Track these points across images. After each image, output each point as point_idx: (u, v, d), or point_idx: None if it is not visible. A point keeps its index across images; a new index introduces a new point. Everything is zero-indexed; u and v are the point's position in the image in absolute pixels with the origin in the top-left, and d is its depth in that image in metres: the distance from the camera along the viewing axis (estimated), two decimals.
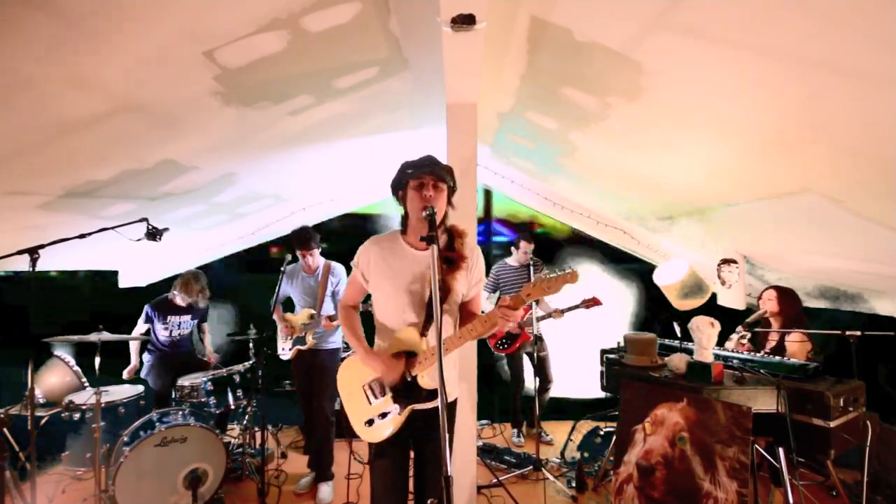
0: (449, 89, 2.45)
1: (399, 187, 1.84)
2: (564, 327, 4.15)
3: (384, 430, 1.80)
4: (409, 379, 1.80)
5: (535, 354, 3.76)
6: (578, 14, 1.83)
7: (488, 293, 4.22)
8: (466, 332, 1.75)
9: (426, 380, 1.80)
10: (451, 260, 1.82)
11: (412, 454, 1.91)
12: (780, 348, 3.04)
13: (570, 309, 3.79)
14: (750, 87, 1.76)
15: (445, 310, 1.82)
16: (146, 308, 3.69)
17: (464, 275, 1.85)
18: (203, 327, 3.94)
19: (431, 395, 1.79)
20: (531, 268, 4.02)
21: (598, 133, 2.81)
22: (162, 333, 3.68)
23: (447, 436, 1.35)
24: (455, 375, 1.95)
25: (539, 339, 4.06)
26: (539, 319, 3.87)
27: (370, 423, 1.83)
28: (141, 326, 3.69)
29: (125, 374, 3.68)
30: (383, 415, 1.81)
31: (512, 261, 4.17)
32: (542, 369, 4.04)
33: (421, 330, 1.81)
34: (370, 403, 1.84)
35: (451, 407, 1.95)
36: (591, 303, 3.76)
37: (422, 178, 1.75)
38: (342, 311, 1.99)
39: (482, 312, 1.85)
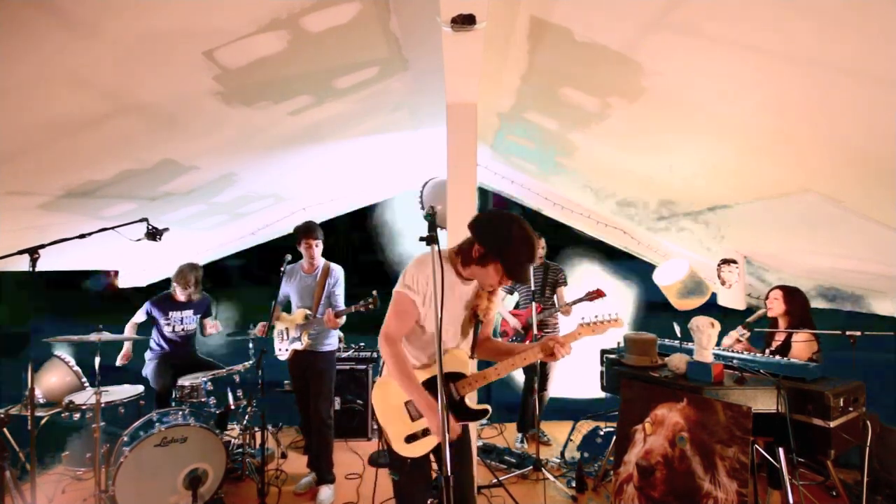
0: (449, 89, 2.45)
1: (488, 247, 1.65)
2: (564, 327, 4.15)
3: (426, 446, 1.82)
4: (456, 398, 1.84)
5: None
6: (578, 14, 1.83)
7: (506, 293, 4.25)
8: (520, 360, 1.80)
9: (472, 400, 1.87)
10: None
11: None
12: (786, 348, 3.04)
13: (575, 302, 3.82)
14: (750, 87, 1.76)
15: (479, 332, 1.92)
16: (146, 305, 3.69)
17: (497, 299, 1.91)
18: (205, 323, 3.92)
19: (478, 414, 1.85)
20: (547, 270, 4.05)
21: (598, 133, 2.81)
22: (165, 329, 3.67)
23: (447, 435, 1.36)
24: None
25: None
26: (552, 314, 3.97)
27: (411, 438, 1.82)
28: (138, 316, 3.67)
29: (119, 360, 3.66)
30: (425, 431, 1.81)
31: None
32: (543, 370, 4.04)
33: (470, 353, 1.89)
34: (412, 420, 1.83)
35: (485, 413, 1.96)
36: (595, 295, 3.78)
37: (508, 281, 1.72)
38: (391, 346, 1.74)
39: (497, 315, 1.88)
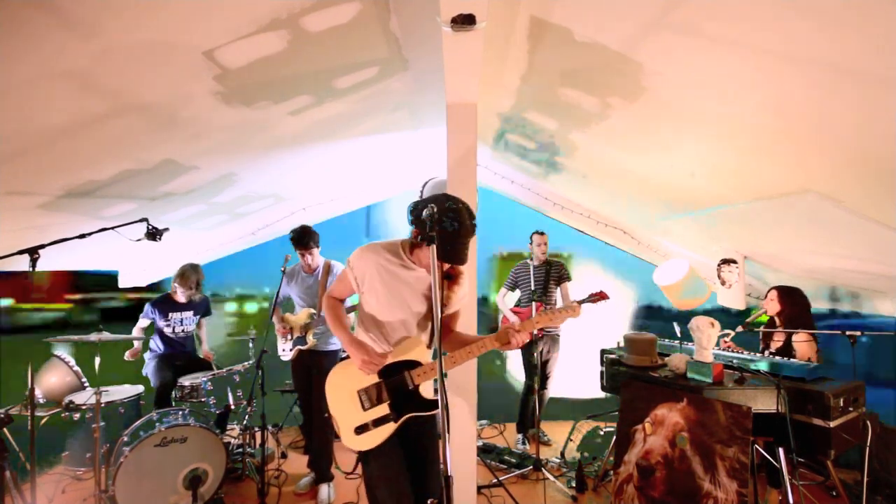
0: (449, 89, 2.45)
1: (418, 228, 1.71)
2: (565, 327, 4.15)
3: (377, 437, 1.79)
4: (410, 388, 1.82)
5: (541, 353, 3.77)
6: (578, 14, 1.83)
7: (507, 290, 4.25)
8: (476, 349, 1.81)
9: (427, 390, 1.85)
10: (450, 276, 1.87)
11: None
12: (787, 348, 3.04)
13: (579, 303, 3.81)
14: (750, 87, 1.76)
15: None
16: (147, 306, 3.69)
17: (458, 290, 1.91)
18: (201, 323, 3.93)
19: (431, 405, 1.84)
20: (549, 268, 4.05)
21: (598, 133, 2.81)
22: (165, 331, 3.68)
23: (447, 435, 1.35)
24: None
25: (553, 339, 4.07)
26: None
27: (361, 429, 1.80)
28: (141, 322, 3.68)
29: (127, 355, 3.66)
30: (377, 422, 1.80)
31: (530, 259, 4.17)
32: (543, 368, 4.04)
33: (428, 342, 1.89)
34: (364, 409, 1.82)
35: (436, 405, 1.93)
36: (598, 297, 3.76)
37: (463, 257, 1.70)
38: (328, 300, 1.95)
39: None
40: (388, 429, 1.79)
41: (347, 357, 1.88)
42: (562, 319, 1.90)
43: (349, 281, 1.87)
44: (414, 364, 1.84)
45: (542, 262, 4.07)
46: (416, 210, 1.73)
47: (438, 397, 1.72)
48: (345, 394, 1.84)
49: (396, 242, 1.86)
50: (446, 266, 1.77)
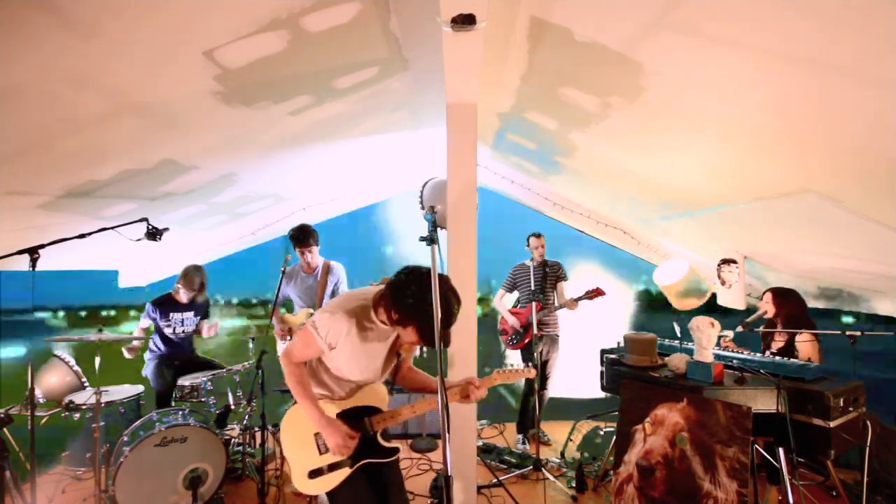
0: (449, 89, 2.45)
1: (401, 313, 1.62)
2: (564, 327, 4.15)
3: (329, 482, 1.78)
4: (369, 434, 1.83)
5: (541, 353, 3.77)
6: (578, 14, 1.83)
7: (505, 291, 4.26)
8: (432, 402, 1.83)
9: (383, 439, 1.87)
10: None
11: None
12: (789, 349, 3.04)
13: (576, 300, 3.85)
14: (750, 87, 1.76)
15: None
16: (148, 306, 3.69)
17: (414, 347, 1.93)
18: (202, 324, 3.93)
19: (389, 452, 1.86)
20: (546, 268, 4.06)
21: (598, 133, 2.81)
22: (165, 331, 3.68)
23: (447, 435, 1.35)
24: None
25: (553, 339, 4.07)
26: (556, 309, 3.99)
27: (316, 473, 1.77)
28: (143, 322, 3.68)
29: (126, 352, 3.66)
30: (332, 466, 1.78)
31: (528, 260, 4.18)
32: (543, 369, 4.04)
33: (390, 389, 1.92)
34: (320, 453, 1.79)
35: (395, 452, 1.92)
36: (595, 293, 3.80)
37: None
38: (292, 366, 1.77)
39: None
40: (343, 473, 1.79)
41: None
42: (518, 377, 1.95)
43: (317, 346, 1.71)
44: (373, 410, 1.85)
45: (539, 262, 4.08)
46: (398, 292, 1.62)
47: (393, 446, 1.86)
48: (301, 436, 1.81)
49: (368, 303, 1.73)
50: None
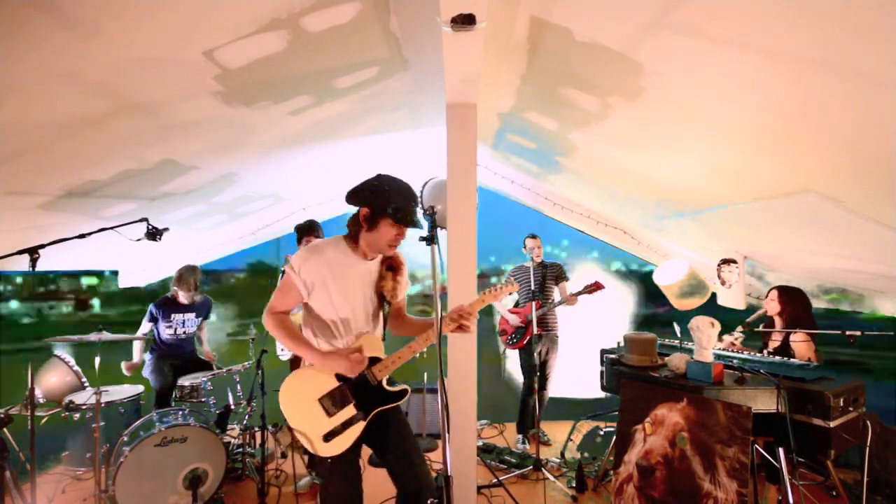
0: (449, 89, 2.45)
1: (372, 205, 1.78)
2: (564, 326, 4.15)
3: (347, 440, 1.79)
4: (374, 383, 1.84)
5: (540, 353, 3.77)
6: (578, 14, 1.83)
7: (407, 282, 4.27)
8: (433, 334, 1.80)
9: (387, 383, 1.88)
10: (393, 267, 1.92)
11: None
12: (784, 348, 3.04)
13: (576, 294, 3.85)
14: (750, 87, 1.76)
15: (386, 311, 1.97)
16: (150, 307, 3.69)
17: (402, 280, 1.95)
18: (202, 325, 3.94)
19: (397, 395, 1.86)
20: (546, 268, 4.07)
21: (598, 133, 2.81)
22: (166, 332, 3.68)
23: (447, 435, 1.36)
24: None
25: (552, 339, 4.07)
26: (555, 305, 3.99)
27: (330, 436, 1.78)
28: (145, 326, 3.69)
29: (125, 369, 3.67)
30: (345, 424, 1.79)
31: (527, 262, 4.19)
32: (543, 369, 4.04)
33: (382, 335, 1.92)
34: (329, 415, 1.79)
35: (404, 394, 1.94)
36: (594, 287, 3.80)
37: (402, 227, 1.79)
38: (273, 317, 1.82)
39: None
40: (358, 428, 1.80)
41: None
42: (504, 293, 1.90)
43: (296, 288, 1.79)
44: (373, 360, 1.85)
45: (538, 263, 4.09)
46: (360, 192, 1.79)
47: (400, 388, 1.86)
48: (304, 405, 1.81)
49: (337, 238, 1.88)
50: (389, 255, 1.87)
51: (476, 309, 1.83)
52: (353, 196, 1.81)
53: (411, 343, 1.83)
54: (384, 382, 1.85)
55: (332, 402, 1.80)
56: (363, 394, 1.82)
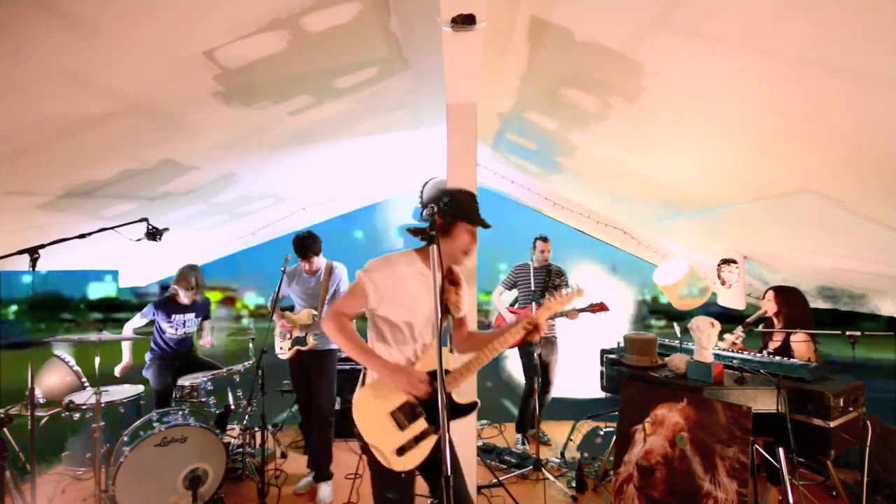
0: (449, 89, 2.45)
1: (450, 213, 1.77)
2: (564, 327, 4.15)
3: (420, 454, 1.75)
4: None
5: (540, 356, 3.79)
6: (578, 14, 1.83)
7: (504, 289, 4.27)
8: (500, 343, 1.81)
9: (459, 394, 1.85)
10: (454, 282, 1.91)
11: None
12: (785, 348, 3.04)
13: (579, 311, 3.84)
14: (750, 87, 1.76)
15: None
16: (150, 306, 3.69)
17: (463, 292, 1.93)
18: (204, 325, 3.93)
19: (467, 408, 1.84)
20: (549, 273, 4.07)
21: (598, 133, 2.81)
22: (168, 332, 3.67)
23: (447, 435, 1.35)
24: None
25: (551, 342, 4.07)
26: (554, 317, 3.96)
27: (402, 450, 1.74)
28: (136, 321, 3.66)
29: (117, 372, 3.67)
30: (417, 438, 1.75)
31: (532, 261, 4.19)
32: (545, 372, 4.05)
33: (450, 348, 1.89)
34: (401, 430, 1.76)
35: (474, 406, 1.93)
36: (598, 307, 3.75)
37: (475, 228, 1.81)
38: (337, 319, 1.78)
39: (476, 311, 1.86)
40: (430, 443, 1.76)
41: (347, 358, 1.85)
42: (570, 300, 1.91)
43: (367, 295, 1.76)
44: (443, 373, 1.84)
45: (542, 265, 4.08)
46: (436, 203, 1.76)
47: (469, 400, 1.84)
48: (376, 419, 1.77)
49: (409, 251, 1.86)
50: (461, 264, 1.88)
51: (544, 318, 1.82)
52: (430, 209, 1.71)
53: (478, 353, 1.82)
54: (454, 395, 1.84)
55: (403, 415, 1.76)
56: (434, 407, 1.75)
